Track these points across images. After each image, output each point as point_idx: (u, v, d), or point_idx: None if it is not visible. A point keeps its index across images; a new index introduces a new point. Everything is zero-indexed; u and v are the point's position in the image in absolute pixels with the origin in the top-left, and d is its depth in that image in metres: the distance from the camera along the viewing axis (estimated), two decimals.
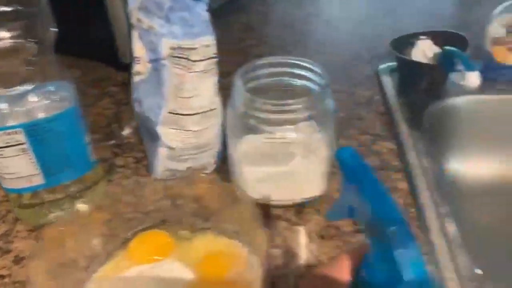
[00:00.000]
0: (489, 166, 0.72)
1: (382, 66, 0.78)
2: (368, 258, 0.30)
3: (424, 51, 0.69)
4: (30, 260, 0.43)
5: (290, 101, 0.46)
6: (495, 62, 0.70)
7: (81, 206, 0.45)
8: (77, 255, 0.41)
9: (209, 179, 0.56)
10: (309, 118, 0.47)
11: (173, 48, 0.46)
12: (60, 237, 0.40)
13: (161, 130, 0.52)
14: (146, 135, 0.55)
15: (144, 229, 0.46)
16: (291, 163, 0.50)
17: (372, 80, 0.75)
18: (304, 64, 0.50)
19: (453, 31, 0.71)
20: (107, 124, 0.68)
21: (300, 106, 0.46)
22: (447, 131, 0.69)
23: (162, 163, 0.54)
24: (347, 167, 0.32)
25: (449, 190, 0.67)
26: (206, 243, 0.43)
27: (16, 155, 0.45)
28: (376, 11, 1.04)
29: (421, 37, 0.71)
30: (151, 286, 0.38)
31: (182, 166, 0.55)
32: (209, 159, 0.55)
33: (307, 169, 0.50)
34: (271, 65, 0.50)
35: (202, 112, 0.51)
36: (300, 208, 0.52)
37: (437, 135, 0.68)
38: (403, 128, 0.63)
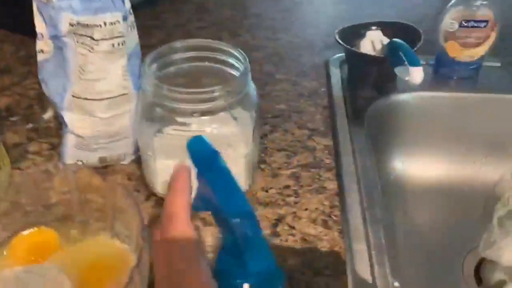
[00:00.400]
0: (434, 166, 0.69)
1: (333, 57, 0.73)
2: (221, 248, 0.30)
3: (373, 42, 0.65)
4: None
5: (202, 89, 0.41)
6: (448, 58, 0.67)
7: None
8: None
9: (125, 172, 0.52)
10: (227, 108, 0.43)
11: (72, 25, 0.41)
12: None
13: (66, 115, 0.47)
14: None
15: (40, 224, 0.42)
16: None
17: (321, 71, 0.71)
18: (222, 47, 0.45)
19: (406, 22, 0.67)
20: (28, 106, 0.63)
21: (215, 94, 0.41)
22: (391, 128, 0.66)
23: (71, 151, 0.50)
24: (197, 157, 0.31)
25: (387, 190, 0.64)
26: (97, 247, 0.39)
27: None
28: None
29: (372, 27, 0.67)
30: None
31: (93, 156, 0.50)
32: (125, 149, 0.51)
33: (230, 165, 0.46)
34: (188, 48, 0.46)
35: (110, 98, 0.46)
36: None
37: (380, 132, 0.64)
38: (343, 124, 0.59)
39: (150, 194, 0.49)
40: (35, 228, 0.40)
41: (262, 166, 0.53)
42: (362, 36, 0.67)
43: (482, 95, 0.67)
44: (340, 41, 0.65)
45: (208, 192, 0.30)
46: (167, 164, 0.46)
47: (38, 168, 0.47)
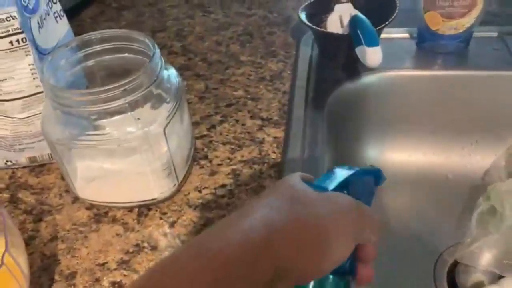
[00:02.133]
0: (415, 154, 0.62)
1: (306, 35, 0.67)
2: None
3: (341, 17, 0.58)
4: None
5: (106, 88, 0.37)
6: (430, 31, 0.59)
7: None
8: None
9: (60, 170, 0.50)
10: (129, 108, 0.39)
11: None
12: None
13: None
14: None
15: None
16: (128, 160, 0.43)
17: (291, 51, 0.65)
18: (134, 36, 0.41)
19: None
20: None
21: (119, 91, 0.38)
22: (364, 113, 0.59)
23: None
24: None
25: None
26: None
27: None
28: None
29: (342, 0, 0.60)
30: None
31: (21, 156, 0.48)
32: None
33: (144, 168, 0.43)
34: (103, 40, 0.42)
35: (24, 97, 0.43)
36: (142, 211, 0.45)
37: (350, 118, 0.58)
38: (299, 112, 0.54)
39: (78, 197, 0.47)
40: None
41: (202, 162, 0.50)
42: (331, 10, 0.60)
43: (470, 73, 0.59)
44: (303, 19, 0.58)
45: None
46: (90, 167, 0.44)
47: None
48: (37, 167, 0.50)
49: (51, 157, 0.49)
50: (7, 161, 0.48)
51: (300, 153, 0.49)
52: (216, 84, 0.60)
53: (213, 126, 0.54)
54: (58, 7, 0.48)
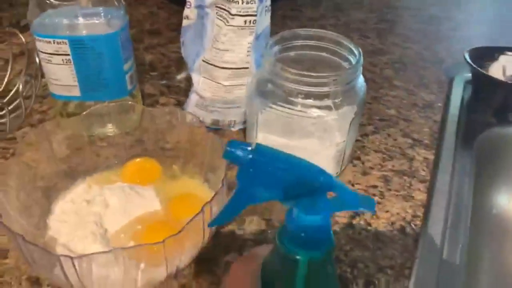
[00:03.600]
0: None
1: (459, 76, 0.71)
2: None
3: (504, 67, 0.62)
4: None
5: (310, 73, 0.44)
6: None
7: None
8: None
9: (231, 137, 0.58)
10: (331, 96, 0.46)
11: None
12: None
13: (194, 76, 0.54)
14: None
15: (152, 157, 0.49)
16: (304, 141, 0.49)
17: (443, 87, 0.69)
18: (341, 40, 0.48)
19: None
20: (167, 65, 0.72)
21: (322, 80, 0.45)
22: (503, 160, 0.62)
23: (191, 109, 0.57)
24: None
25: (482, 225, 0.61)
26: (189, 186, 0.45)
27: (62, 64, 0.50)
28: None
29: (508, 52, 0.63)
30: (119, 201, 0.41)
31: (208, 117, 0.56)
32: (236, 117, 0.56)
33: (318, 151, 0.49)
34: (309, 37, 0.49)
35: (234, 68, 0.52)
36: None
37: (489, 162, 0.61)
38: (450, 142, 0.58)
39: None
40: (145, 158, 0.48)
41: (355, 162, 0.55)
42: (495, 59, 0.64)
43: None
44: (468, 59, 0.63)
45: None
46: (267, 138, 0.51)
47: (164, 115, 0.54)
48: (215, 131, 0.59)
49: (231, 124, 0.57)
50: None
51: (450, 178, 0.53)
52: (369, 99, 0.66)
53: (366, 135, 0.60)
54: (268, 2, 0.56)
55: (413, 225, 0.47)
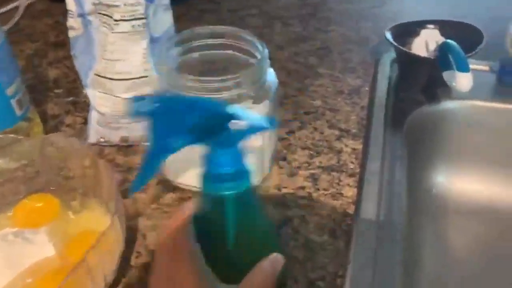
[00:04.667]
0: (484, 186, 0.62)
1: (386, 55, 0.68)
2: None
3: (427, 42, 0.59)
4: None
5: (213, 78, 0.40)
6: None
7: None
8: None
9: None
10: (238, 98, 0.41)
11: (95, 4, 0.42)
12: None
13: (89, 92, 0.48)
14: None
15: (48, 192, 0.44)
16: None
17: (370, 69, 0.66)
18: (244, 35, 0.44)
19: (468, 23, 0.61)
20: (73, 79, 0.65)
21: (226, 84, 0.40)
22: (437, 138, 0.60)
23: (94, 128, 0.51)
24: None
25: (423, 207, 0.59)
26: (90, 220, 0.40)
27: None
28: None
29: (428, 26, 0.61)
30: (1, 253, 0.36)
31: (115, 135, 0.51)
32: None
33: None
34: (208, 35, 0.45)
35: (130, 79, 0.46)
36: None
37: (423, 141, 0.59)
38: (378, 128, 0.55)
39: (164, 178, 0.49)
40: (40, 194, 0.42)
41: (281, 163, 0.51)
42: (417, 34, 0.61)
43: None
44: (389, 38, 0.60)
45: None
46: (181, 152, 0.46)
47: (64, 142, 0.49)
48: (125, 147, 0.53)
49: (142, 139, 0.51)
50: (100, 138, 0.51)
51: (380, 167, 0.50)
52: (294, 92, 0.62)
53: (292, 131, 0.56)
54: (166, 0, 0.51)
55: (343, 226, 0.44)
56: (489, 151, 0.61)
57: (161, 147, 0.28)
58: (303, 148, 0.53)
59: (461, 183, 0.62)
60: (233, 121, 0.28)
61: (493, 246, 0.59)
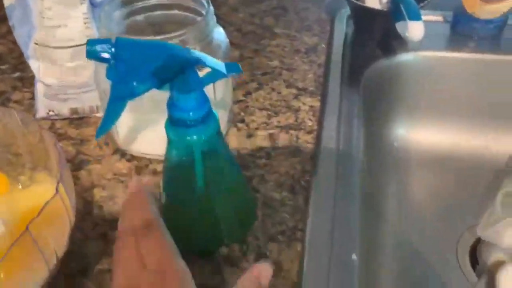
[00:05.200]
0: (442, 136, 0.63)
1: (342, 11, 0.67)
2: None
3: None
4: None
5: (158, 38, 0.38)
6: (466, 14, 0.60)
7: None
8: None
9: (98, 124, 0.51)
10: None
11: None
12: None
13: (32, 63, 0.46)
14: None
15: None
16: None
17: (326, 26, 0.66)
18: None
19: None
20: (19, 55, 0.62)
21: (174, 41, 0.38)
22: (394, 91, 0.60)
23: (41, 101, 0.49)
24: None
25: (385, 159, 0.60)
26: (38, 195, 0.38)
27: None
28: None
29: None
30: None
31: (64, 107, 0.49)
32: (96, 101, 0.49)
33: None
34: None
35: (73, 46, 0.44)
36: None
37: (381, 95, 0.59)
38: (335, 84, 0.55)
39: (119, 148, 0.48)
40: None
41: (239, 125, 0.51)
42: None
43: (504, 57, 0.59)
44: None
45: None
46: (133, 117, 0.45)
47: (11, 118, 0.47)
48: (76, 119, 0.51)
49: (93, 110, 0.50)
50: (49, 111, 0.49)
51: (337, 122, 0.50)
52: (251, 53, 0.61)
53: (249, 93, 0.55)
54: None
55: (302, 182, 0.44)
56: (447, 101, 0.62)
57: (124, 91, 0.28)
58: (261, 109, 0.53)
59: (421, 135, 0.63)
60: (197, 66, 0.29)
61: (454, 194, 0.60)
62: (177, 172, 0.35)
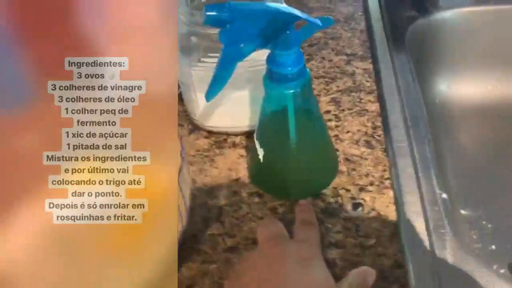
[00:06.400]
0: (483, 88, 0.66)
1: None
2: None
3: None
4: None
5: None
6: None
7: None
8: None
9: None
10: None
11: None
12: None
13: None
14: None
15: None
16: (247, 88, 0.46)
17: None
18: None
19: None
20: None
21: None
22: (434, 49, 0.63)
23: None
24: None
25: (433, 114, 0.63)
26: None
27: None
28: None
29: None
30: None
31: None
32: None
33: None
34: None
35: None
36: None
37: (422, 54, 0.62)
38: (382, 47, 0.57)
39: (194, 127, 0.50)
40: None
41: None
42: None
43: None
44: None
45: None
46: (200, 93, 0.47)
47: None
48: None
49: None
50: None
51: (394, 81, 0.53)
52: None
53: None
54: None
55: (376, 137, 0.47)
56: (485, 53, 0.64)
57: (234, 53, 0.31)
58: (317, 78, 0.55)
59: (464, 89, 0.66)
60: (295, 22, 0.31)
61: (501, 142, 0.63)
62: (272, 125, 0.38)
